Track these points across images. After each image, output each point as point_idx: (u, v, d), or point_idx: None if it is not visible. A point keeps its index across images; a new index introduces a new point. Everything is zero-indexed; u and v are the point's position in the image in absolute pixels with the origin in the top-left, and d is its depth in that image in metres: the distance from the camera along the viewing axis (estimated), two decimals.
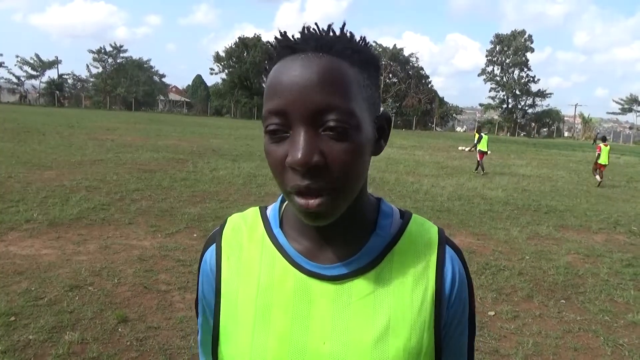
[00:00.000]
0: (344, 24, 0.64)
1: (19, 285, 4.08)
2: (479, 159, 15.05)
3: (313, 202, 0.58)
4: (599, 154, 13.82)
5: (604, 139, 14.34)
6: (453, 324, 0.70)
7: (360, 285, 0.66)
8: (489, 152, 15.69)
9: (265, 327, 0.66)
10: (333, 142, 0.58)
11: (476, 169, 15.18)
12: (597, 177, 13.67)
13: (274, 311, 0.66)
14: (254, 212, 0.75)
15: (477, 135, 15.63)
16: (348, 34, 0.63)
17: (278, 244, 0.70)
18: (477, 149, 15.32)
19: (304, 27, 0.63)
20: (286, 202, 0.75)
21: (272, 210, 0.74)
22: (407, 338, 0.65)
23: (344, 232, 0.68)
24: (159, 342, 3.33)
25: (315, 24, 0.63)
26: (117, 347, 3.21)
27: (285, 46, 0.61)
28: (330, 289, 0.66)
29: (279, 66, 0.60)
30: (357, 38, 0.64)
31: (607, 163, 13.74)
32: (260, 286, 0.68)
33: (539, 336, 3.81)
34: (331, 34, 0.62)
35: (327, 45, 0.60)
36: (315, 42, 0.60)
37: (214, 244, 0.73)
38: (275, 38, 0.63)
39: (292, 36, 0.62)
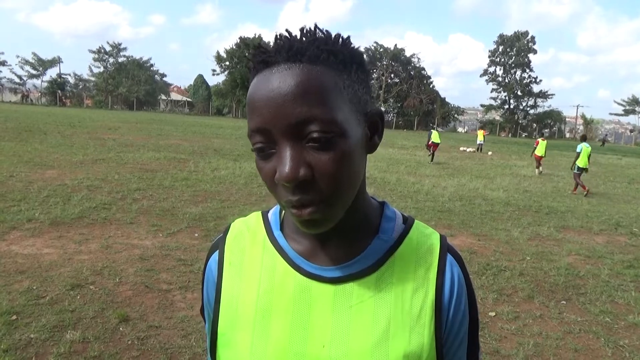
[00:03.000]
0: (316, 26, 0.62)
1: (21, 284, 4.09)
2: (430, 149, 17.54)
3: (305, 211, 0.58)
4: (535, 147, 16.29)
5: (541, 134, 16.66)
6: (453, 332, 0.69)
7: (360, 289, 0.66)
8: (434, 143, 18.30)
9: (264, 332, 0.65)
10: (318, 153, 0.57)
11: (431, 160, 17.43)
12: (537, 170, 15.72)
13: (274, 315, 0.66)
14: (256, 216, 0.76)
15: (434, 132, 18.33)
16: (323, 34, 0.61)
17: (279, 246, 0.70)
18: (430, 141, 17.84)
19: (276, 37, 0.61)
20: None
21: (272, 214, 0.75)
22: (407, 343, 0.64)
23: (344, 234, 0.68)
24: (160, 341, 3.33)
25: (286, 30, 0.62)
26: (118, 346, 3.22)
27: (260, 61, 0.60)
28: (330, 291, 0.66)
29: (255, 82, 0.59)
30: (334, 36, 0.62)
31: (543, 155, 15.97)
32: (261, 290, 0.68)
33: (539, 337, 3.81)
34: (304, 38, 0.60)
35: (299, 53, 0.58)
36: (287, 52, 0.58)
37: (217, 251, 0.74)
38: (251, 52, 0.62)
39: (266, 48, 0.61)
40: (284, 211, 0.73)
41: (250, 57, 0.61)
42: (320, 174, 0.57)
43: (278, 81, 0.56)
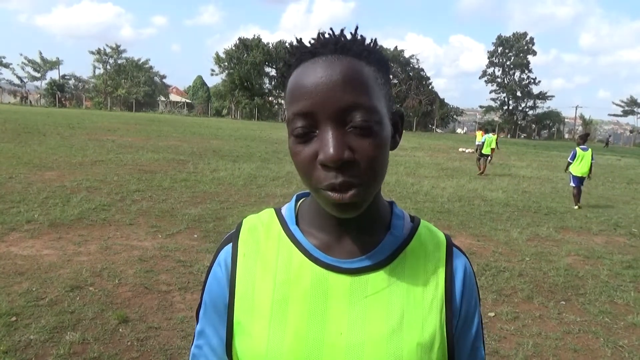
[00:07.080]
0: (357, 28, 0.67)
1: (20, 285, 4.09)
2: None
3: (347, 194, 0.60)
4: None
5: (486, 130, 18.53)
6: (467, 323, 0.73)
7: (375, 280, 0.68)
8: None
9: (282, 321, 0.67)
10: (360, 138, 0.60)
11: None
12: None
13: (291, 305, 0.67)
14: (269, 212, 0.77)
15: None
16: (360, 37, 0.66)
17: (295, 240, 0.71)
18: None
19: (319, 33, 0.66)
20: (301, 200, 0.77)
21: (287, 209, 0.76)
22: (420, 333, 0.67)
23: (360, 229, 0.70)
24: (159, 342, 3.33)
25: (331, 29, 0.66)
26: (117, 348, 3.22)
27: (305, 51, 0.64)
28: (347, 282, 0.68)
29: (300, 70, 0.63)
30: (368, 40, 0.67)
31: (494, 147, 17.82)
32: (277, 281, 0.69)
33: (538, 337, 3.82)
34: (346, 37, 0.65)
35: (346, 47, 0.63)
36: (334, 45, 0.63)
37: (230, 244, 0.74)
38: (294, 44, 0.66)
39: (309, 41, 0.65)
40: (298, 206, 0.76)
41: (293, 49, 0.66)
42: (361, 157, 0.60)
43: (328, 69, 0.60)
